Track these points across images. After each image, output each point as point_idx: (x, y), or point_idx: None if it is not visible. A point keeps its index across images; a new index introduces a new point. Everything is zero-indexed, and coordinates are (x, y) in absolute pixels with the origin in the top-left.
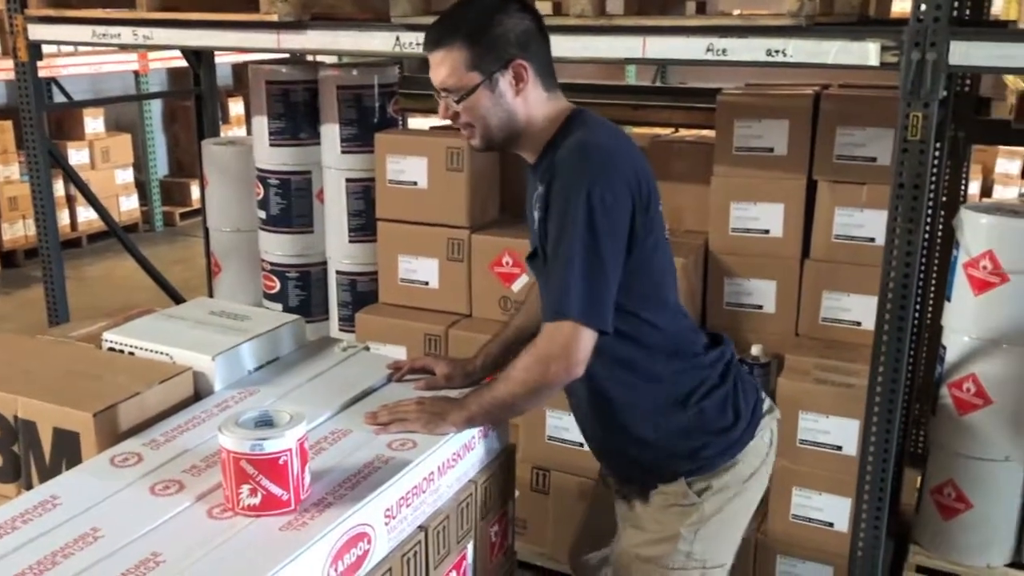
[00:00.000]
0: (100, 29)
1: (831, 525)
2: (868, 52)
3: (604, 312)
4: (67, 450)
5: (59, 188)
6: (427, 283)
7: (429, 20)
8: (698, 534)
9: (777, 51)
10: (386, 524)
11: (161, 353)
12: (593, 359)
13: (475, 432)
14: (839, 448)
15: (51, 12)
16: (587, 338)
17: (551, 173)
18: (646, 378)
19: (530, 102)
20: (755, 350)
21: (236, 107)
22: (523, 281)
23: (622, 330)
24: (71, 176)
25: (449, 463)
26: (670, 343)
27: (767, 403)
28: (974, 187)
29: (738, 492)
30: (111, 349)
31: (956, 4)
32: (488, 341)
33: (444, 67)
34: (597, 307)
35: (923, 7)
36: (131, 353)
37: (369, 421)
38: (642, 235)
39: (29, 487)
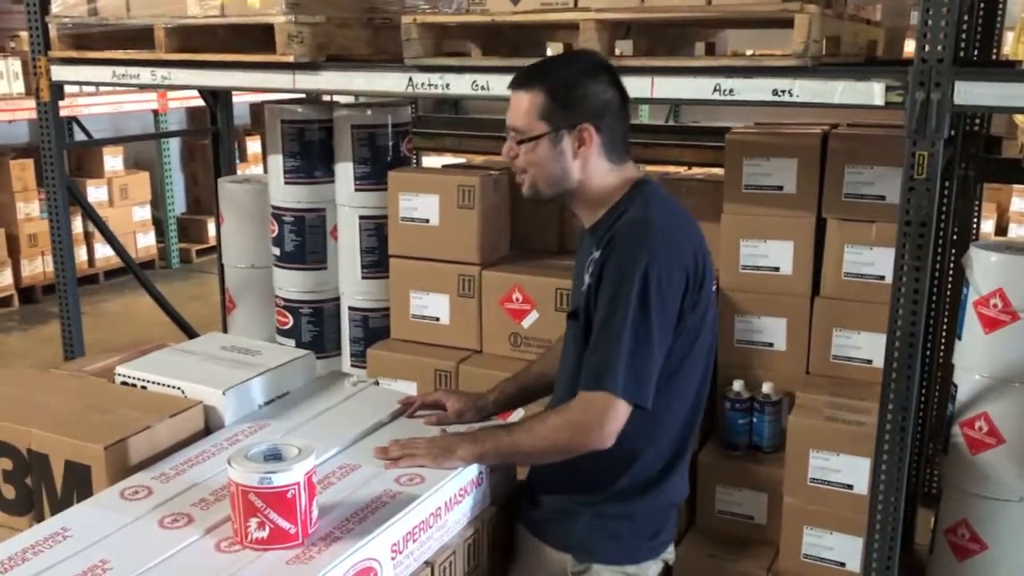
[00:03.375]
0: (120, 70)
1: (843, 565)
2: (873, 92)
3: (646, 388)
4: (78, 483)
5: (77, 225)
6: (438, 319)
7: (441, 61)
8: None
9: (783, 91)
10: (392, 559)
11: (173, 387)
12: None
13: (483, 468)
14: (850, 487)
15: (73, 54)
16: (623, 412)
17: (610, 244)
18: (645, 441)
19: (589, 168)
20: (766, 388)
21: (254, 145)
22: (533, 317)
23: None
24: (89, 213)
25: (456, 499)
26: (676, 431)
27: (672, 546)
28: (988, 225)
29: None
30: (123, 383)
31: (963, 45)
32: (505, 380)
33: (519, 108)
34: (641, 383)
35: (927, 48)
36: (143, 387)
37: (379, 455)
38: (690, 313)
39: (40, 519)
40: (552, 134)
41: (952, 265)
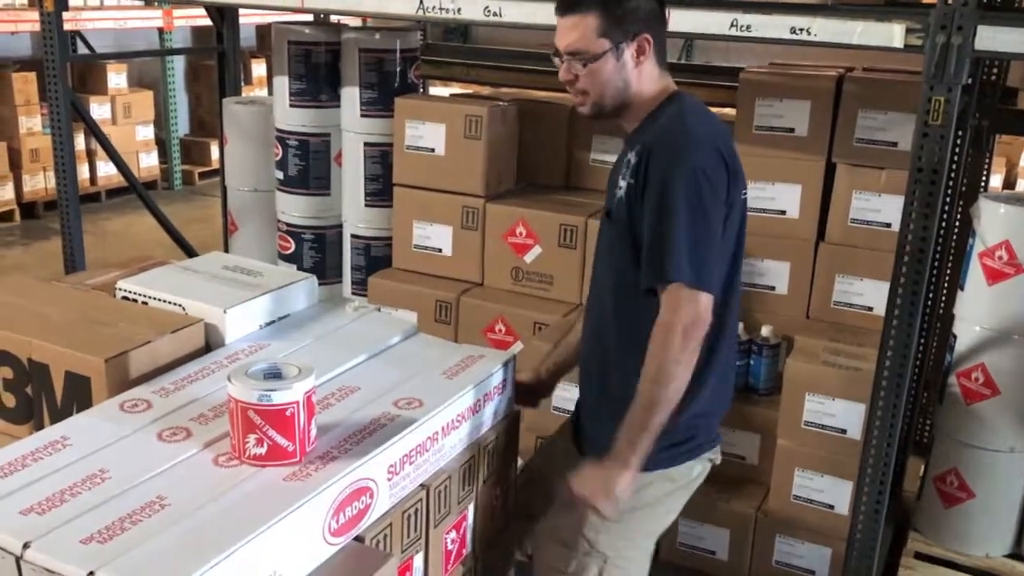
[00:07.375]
0: None
1: (831, 507)
2: (893, 33)
3: (710, 275)
4: (78, 394)
5: (80, 142)
6: (440, 250)
7: None
8: (604, 525)
9: (801, 29)
10: (388, 480)
11: (174, 304)
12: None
13: (482, 395)
14: (844, 431)
15: None
16: (704, 297)
17: (649, 147)
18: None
19: (644, 76)
20: (765, 331)
21: (259, 68)
22: (536, 252)
23: None
24: (92, 129)
25: (454, 424)
26: (718, 329)
27: (719, 444)
28: (997, 180)
29: (653, 502)
30: (125, 298)
31: None
32: (545, 355)
33: (575, 31)
34: (705, 270)
35: None
36: (144, 303)
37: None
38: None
39: (40, 428)
40: (614, 49)
41: (959, 216)
